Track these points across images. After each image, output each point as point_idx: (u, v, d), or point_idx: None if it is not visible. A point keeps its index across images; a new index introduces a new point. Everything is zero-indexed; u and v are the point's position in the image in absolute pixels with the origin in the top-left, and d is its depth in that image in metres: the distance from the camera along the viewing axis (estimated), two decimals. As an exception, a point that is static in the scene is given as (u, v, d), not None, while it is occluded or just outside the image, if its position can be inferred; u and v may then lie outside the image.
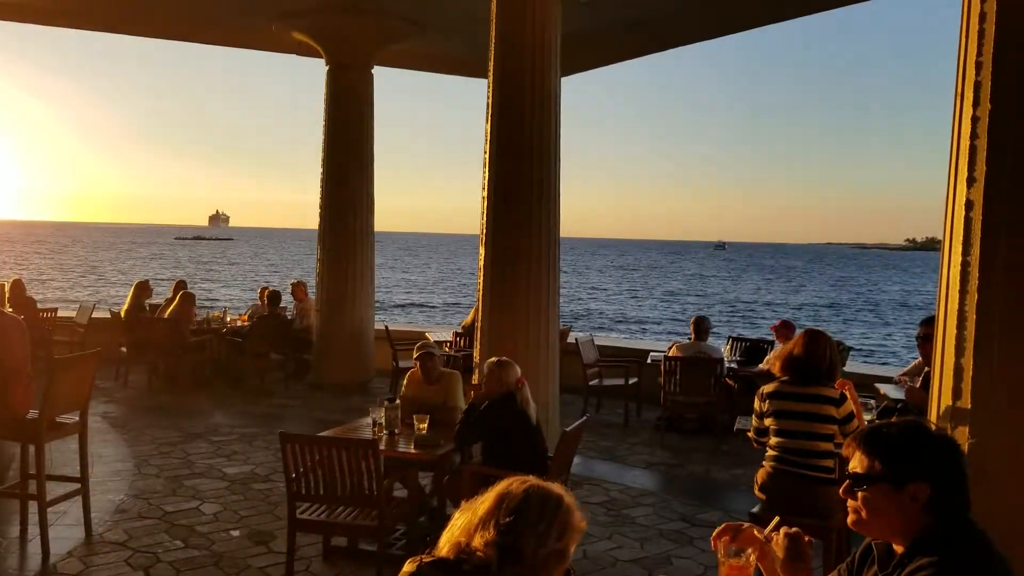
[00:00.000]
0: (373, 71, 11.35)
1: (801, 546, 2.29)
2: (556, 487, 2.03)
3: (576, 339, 10.39)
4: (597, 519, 6.24)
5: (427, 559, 1.94)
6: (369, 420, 5.70)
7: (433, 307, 46.35)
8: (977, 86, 3.85)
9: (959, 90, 3.98)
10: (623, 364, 10.07)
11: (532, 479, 2.02)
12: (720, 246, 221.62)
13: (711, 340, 9.39)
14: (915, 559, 2.04)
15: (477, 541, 1.90)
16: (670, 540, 5.83)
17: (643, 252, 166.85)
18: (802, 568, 2.28)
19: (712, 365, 8.71)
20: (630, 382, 9.77)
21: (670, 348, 9.37)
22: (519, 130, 7.35)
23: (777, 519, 2.46)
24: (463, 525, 1.95)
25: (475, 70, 11.23)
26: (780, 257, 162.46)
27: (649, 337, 33.68)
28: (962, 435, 3.73)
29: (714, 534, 2.42)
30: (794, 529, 2.32)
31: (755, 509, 4.75)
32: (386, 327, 11.59)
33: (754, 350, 9.97)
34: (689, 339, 9.25)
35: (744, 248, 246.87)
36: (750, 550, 2.36)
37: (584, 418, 5.70)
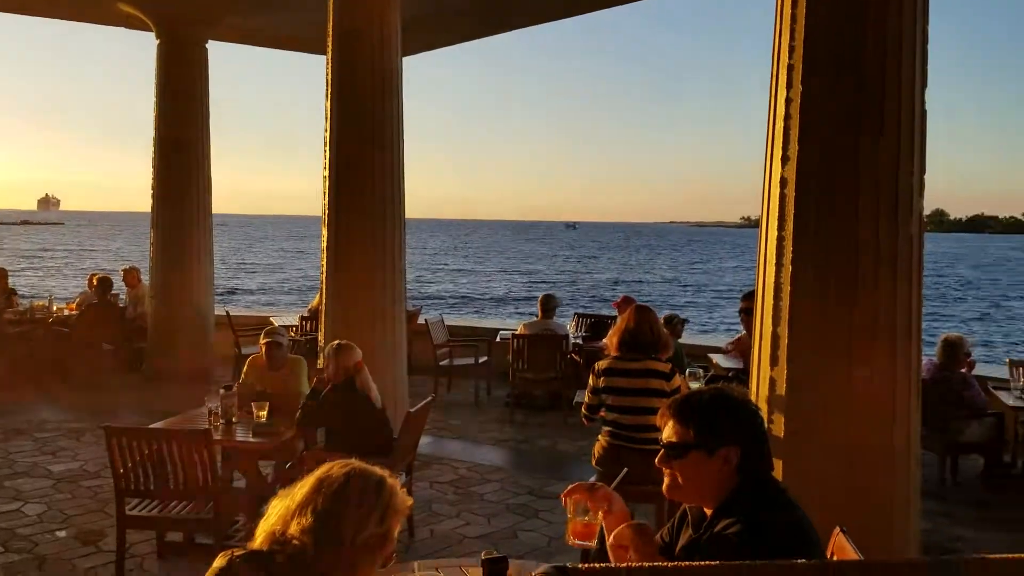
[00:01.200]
0: (208, 46, 10.80)
1: (647, 531, 2.35)
2: (378, 469, 1.98)
3: (426, 320, 10.35)
4: (446, 497, 6.25)
5: (239, 552, 1.85)
6: (204, 410, 5.46)
7: (278, 290, 45.03)
8: (790, 68, 4.05)
9: (774, 72, 4.18)
10: (473, 344, 10.12)
11: (354, 462, 1.96)
12: (571, 226, 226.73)
13: (559, 318, 9.57)
14: (721, 519, 2.14)
15: (293, 528, 1.83)
16: (517, 514, 5.91)
17: (494, 232, 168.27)
18: (649, 544, 2.33)
19: (558, 341, 8.88)
20: (480, 361, 9.84)
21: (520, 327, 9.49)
22: (359, 109, 7.17)
23: (626, 470, 2.57)
24: (280, 512, 1.88)
25: (316, 47, 10.88)
26: (628, 236, 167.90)
27: (500, 316, 34.05)
28: (779, 400, 3.95)
29: (565, 491, 2.46)
30: (636, 523, 2.38)
31: (592, 479, 4.86)
32: (227, 313, 11.13)
33: (599, 325, 10.23)
34: (536, 317, 9.39)
35: (594, 228, 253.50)
36: (600, 510, 2.41)
37: (429, 399, 5.67)
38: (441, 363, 9.86)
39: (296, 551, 1.81)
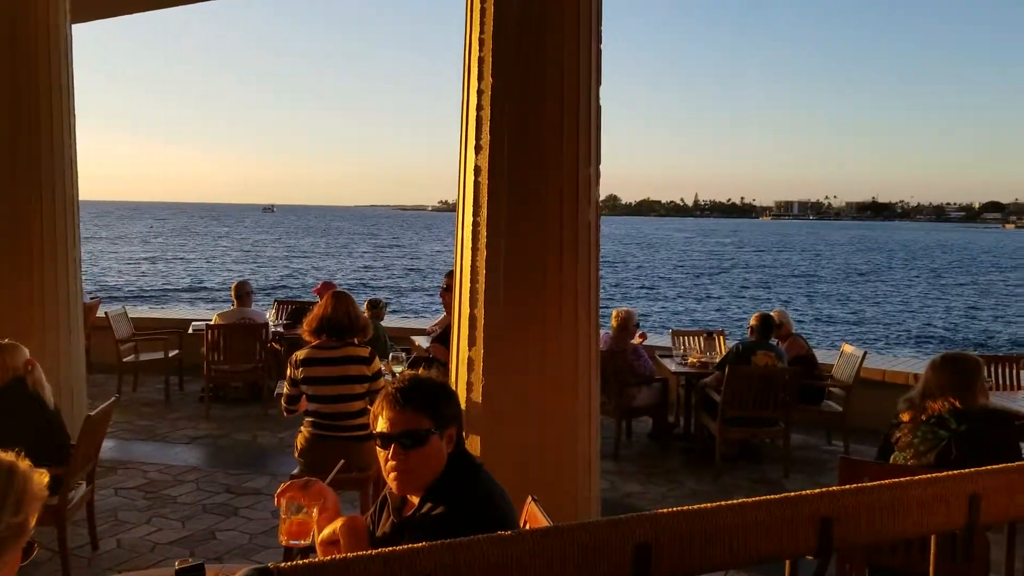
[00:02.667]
0: None
1: (360, 524, 2.31)
2: (7, 455, 1.77)
3: (107, 313, 9.45)
4: (135, 504, 5.78)
5: None
6: None
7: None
8: (481, 61, 4.20)
9: (466, 64, 4.31)
10: (162, 336, 9.43)
11: None
12: (269, 209, 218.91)
13: (259, 305, 9.20)
14: (430, 501, 2.19)
15: None
16: (215, 514, 5.61)
17: (186, 216, 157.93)
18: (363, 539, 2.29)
19: (256, 330, 8.55)
20: (171, 355, 9.20)
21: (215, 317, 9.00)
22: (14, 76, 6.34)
23: (343, 462, 2.52)
24: None
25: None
26: (329, 219, 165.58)
27: (193, 306, 32.07)
28: (477, 380, 4.12)
29: (279, 491, 2.35)
30: (351, 516, 2.31)
31: (295, 471, 4.76)
32: None
33: (300, 312, 9.97)
34: (232, 306, 8.96)
35: (293, 211, 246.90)
36: (315, 506, 2.34)
37: (113, 399, 5.19)
38: (125, 359, 9.08)
39: None
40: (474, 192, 4.20)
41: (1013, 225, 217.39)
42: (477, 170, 4.20)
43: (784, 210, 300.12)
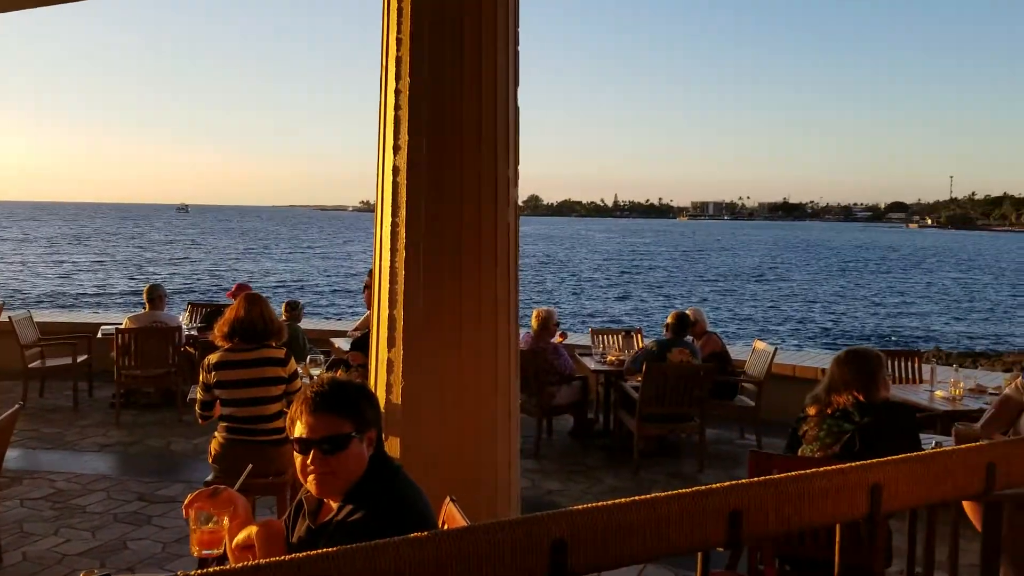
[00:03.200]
0: None
1: (275, 528, 2.27)
2: None
3: (10, 318, 9.05)
4: (41, 515, 5.56)
5: None
6: None
7: None
8: (398, 61, 4.17)
9: (384, 64, 4.28)
10: (70, 341, 9.08)
11: None
12: (183, 208, 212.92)
13: (172, 308, 8.94)
14: (349, 504, 2.16)
15: None
16: (126, 523, 5.44)
17: (97, 217, 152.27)
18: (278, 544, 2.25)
19: (169, 334, 8.31)
20: (79, 360, 8.87)
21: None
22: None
23: (250, 467, 2.46)
24: None
25: None
26: (246, 219, 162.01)
27: (104, 310, 30.98)
28: (396, 381, 4.09)
29: (186, 502, 2.29)
30: (265, 520, 2.28)
31: (209, 478, 4.65)
32: None
33: (215, 315, 9.70)
34: (144, 309, 8.69)
35: (209, 211, 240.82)
36: (225, 514, 2.28)
37: (17, 406, 4.97)
38: (31, 365, 8.71)
39: None
40: (392, 193, 4.17)
41: (916, 224, 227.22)
42: (395, 170, 4.17)
43: (700, 210, 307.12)
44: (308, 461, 2.16)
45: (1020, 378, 4.36)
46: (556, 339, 7.75)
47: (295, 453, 2.20)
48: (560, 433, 7.95)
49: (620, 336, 8.86)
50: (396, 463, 2.32)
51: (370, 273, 6.57)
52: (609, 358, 7.89)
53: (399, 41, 4.17)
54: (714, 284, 50.00)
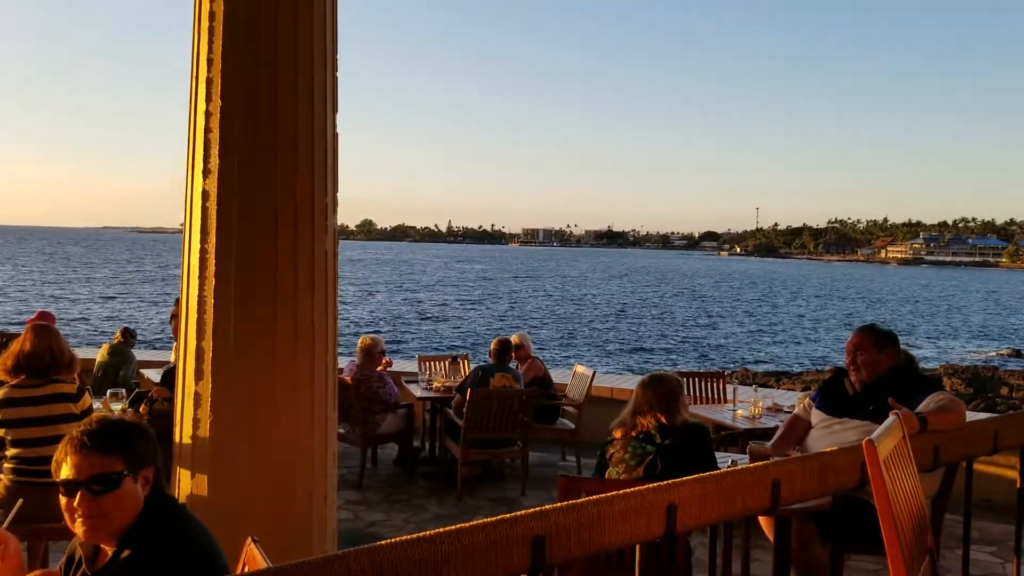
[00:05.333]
0: None
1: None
2: None
3: None
4: None
5: None
6: None
7: None
8: (209, 82, 4.01)
9: (193, 85, 4.10)
10: None
11: None
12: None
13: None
14: (127, 548, 2.03)
15: None
16: None
17: None
18: None
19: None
20: None
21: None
22: None
23: (20, 501, 2.26)
24: None
25: None
26: (56, 242, 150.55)
27: None
28: (205, 416, 3.89)
29: None
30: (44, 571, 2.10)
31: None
32: None
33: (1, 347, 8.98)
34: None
35: (12, 232, 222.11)
36: None
37: None
38: None
39: None
40: (202, 218, 3.99)
41: (727, 252, 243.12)
42: (205, 195, 3.99)
43: (531, 237, 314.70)
44: (75, 504, 2.02)
45: (807, 398, 4.72)
46: (380, 367, 7.66)
47: (60, 496, 2.04)
48: (385, 462, 7.84)
49: (446, 362, 8.87)
50: (177, 502, 2.20)
51: (177, 302, 6.23)
52: (435, 384, 7.88)
53: (210, 61, 4.01)
54: (546, 309, 51.23)
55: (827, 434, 4.19)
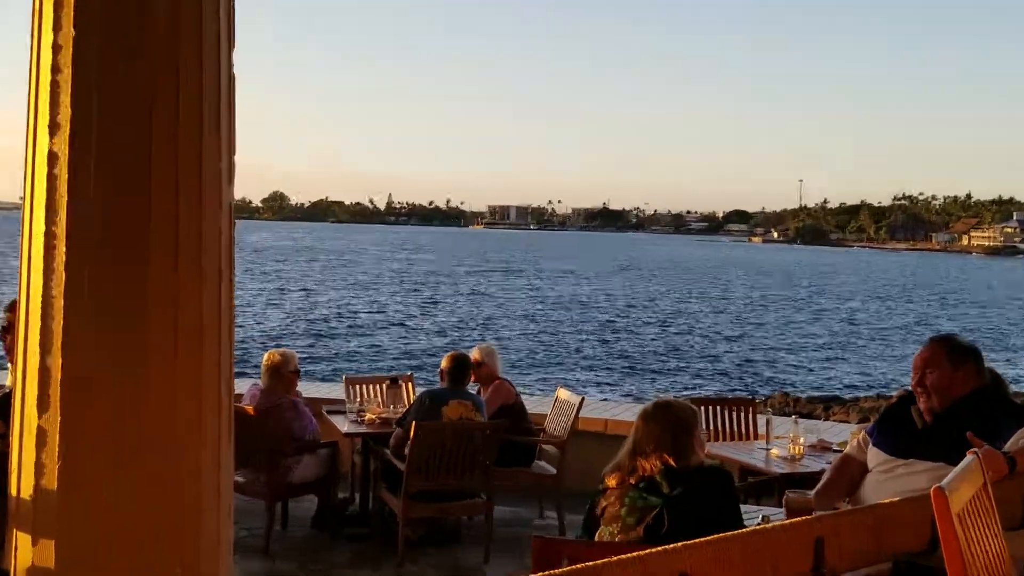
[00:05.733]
0: None
1: None
2: None
3: None
4: None
5: None
6: None
7: None
8: (58, 5, 3.98)
9: (36, 9, 4.06)
10: None
11: None
12: None
13: None
14: None
15: None
16: None
17: None
18: None
19: None
20: None
21: None
22: None
23: None
24: None
25: None
26: None
27: None
28: (51, 459, 3.85)
29: None
30: None
31: None
32: None
33: None
34: None
35: None
36: None
37: None
38: None
39: None
40: (47, 191, 3.94)
41: (760, 239, 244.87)
42: (52, 158, 3.95)
43: (500, 216, 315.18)
44: None
45: (862, 432, 4.77)
46: (293, 392, 7.63)
47: None
48: (299, 521, 7.82)
49: (383, 386, 8.82)
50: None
51: (12, 307, 6.16)
52: (368, 416, 7.87)
53: (59, -26, 3.98)
54: (520, 316, 51.32)
55: (887, 479, 4.24)
